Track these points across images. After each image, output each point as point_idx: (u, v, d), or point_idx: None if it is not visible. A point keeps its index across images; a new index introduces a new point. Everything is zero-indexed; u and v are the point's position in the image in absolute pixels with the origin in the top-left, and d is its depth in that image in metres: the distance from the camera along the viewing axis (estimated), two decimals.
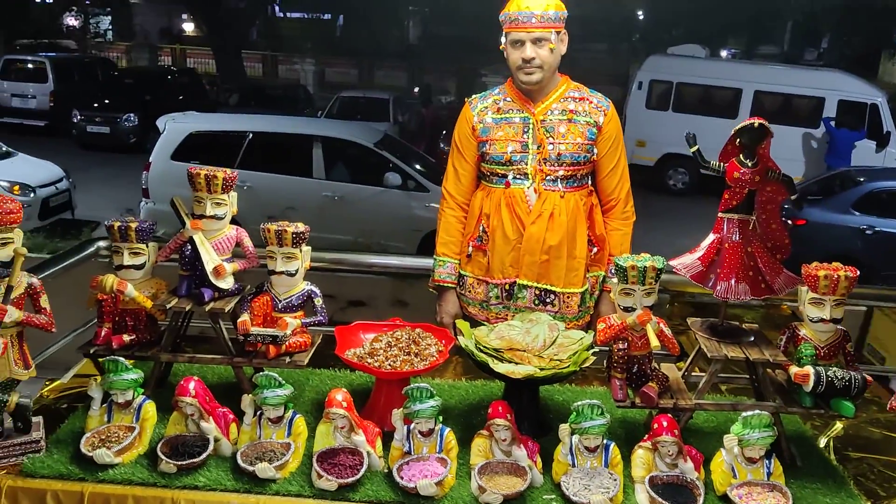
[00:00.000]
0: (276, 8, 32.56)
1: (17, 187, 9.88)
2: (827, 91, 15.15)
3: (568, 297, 2.80)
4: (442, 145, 13.80)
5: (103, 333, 2.35)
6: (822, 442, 2.41)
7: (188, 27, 32.46)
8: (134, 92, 17.02)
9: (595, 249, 2.84)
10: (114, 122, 16.00)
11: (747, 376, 2.40)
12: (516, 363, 2.25)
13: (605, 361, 2.34)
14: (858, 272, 2.12)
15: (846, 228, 10.13)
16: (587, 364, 2.24)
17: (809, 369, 2.09)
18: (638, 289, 2.17)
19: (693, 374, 2.38)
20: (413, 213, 9.14)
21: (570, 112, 2.77)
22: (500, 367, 2.19)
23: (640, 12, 31.92)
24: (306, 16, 33.21)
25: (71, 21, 28.29)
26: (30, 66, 18.25)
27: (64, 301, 2.49)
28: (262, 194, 9.12)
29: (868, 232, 10.19)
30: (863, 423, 2.48)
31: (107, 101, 16.42)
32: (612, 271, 2.82)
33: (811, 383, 2.08)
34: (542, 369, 2.21)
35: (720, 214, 2.24)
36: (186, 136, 9.32)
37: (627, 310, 2.20)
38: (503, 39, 2.76)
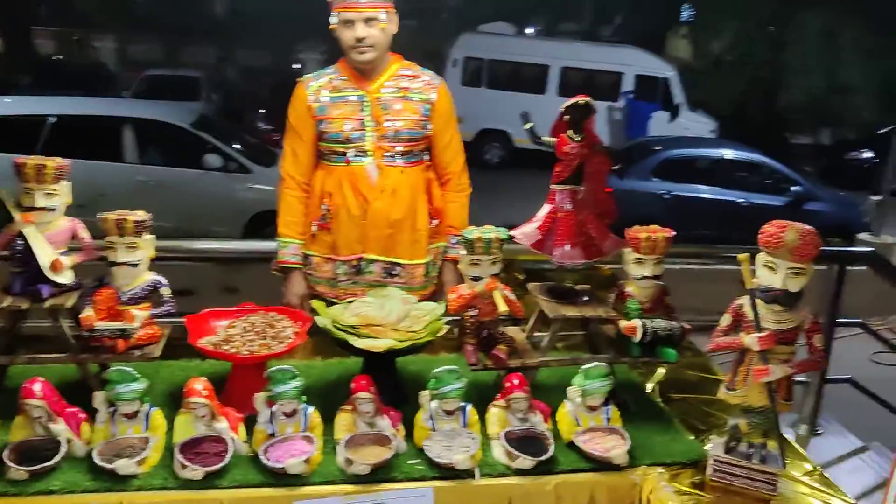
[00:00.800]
0: None
1: None
2: (625, 66, 16.30)
3: (413, 269, 2.91)
4: (259, 124, 13.51)
5: None
6: (649, 387, 2.67)
7: None
8: None
9: (435, 221, 2.96)
10: None
11: (582, 332, 2.61)
12: (375, 338, 2.32)
13: (454, 330, 2.46)
14: (675, 233, 2.36)
15: (647, 194, 11.02)
16: (441, 333, 2.35)
17: (637, 322, 2.32)
18: (484, 259, 2.31)
19: (534, 334, 2.56)
20: (236, 195, 8.92)
21: (404, 90, 2.86)
22: (360, 343, 2.26)
23: None
24: None
25: None
26: None
27: None
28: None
29: (666, 196, 11.15)
30: (681, 367, 2.77)
31: None
32: (454, 242, 2.95)
33: (639, 334, 2.31)
34: (400, 342, 2.30)
35: (553, 186, 2.42)
36: None
37: (476, 279, 2.33)
38: (333, 19, 2.79)
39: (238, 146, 9.39)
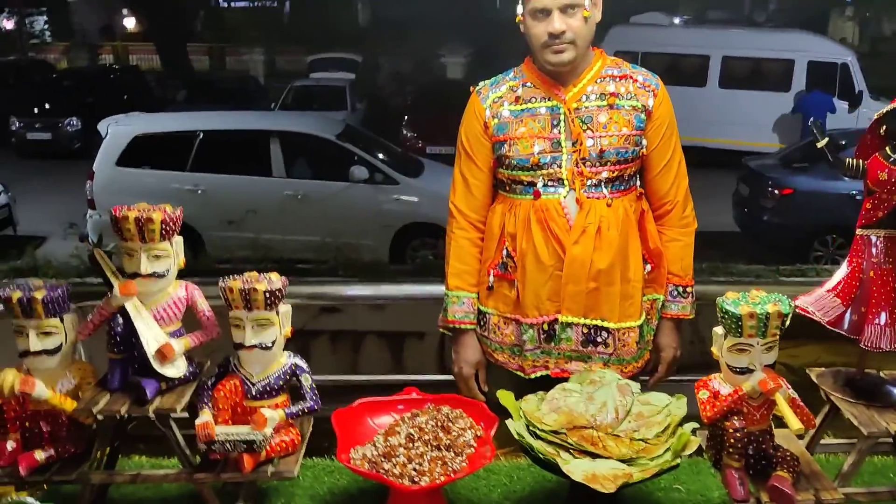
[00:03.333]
0: None
1: None
2: (796, 52, 14.80)
3: (624, 334, 2.18)
4: (405, 132, 13.19)
5: (9, 450, 1.67)
6: None
7: (129, 23, 31.16)
8: (75, 94, 16.11)
9: (649, 268, 2.22)
10: (55, 127, 15.10)
11: (889, 440, 1.80)
12: (591, 453, 1.62)
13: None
14: None
15: (835, 195, 9.70)
16: (688, 451, 1.62)
17: None
18: (757, 343, 1.56)
19: (819, 443, 1.78)
20: (382, 207, 8.55)
21: (611, 95, 2.14)
22: (575, 472, 1.56)
23: None
24: (251, 4, 32.21)
25: (4, 23, 26.93)
26: None
27: None
28: (218, 198, 8.43)
29: (858, 197, 9.77)
30: None
31: (46, 106, 15.53)
32: (675, 294, 2.22)
33: None
34: (629, 462, 1.59)
35: (859, 231, 1.64)
36: (132, 140, 8.60)
37: (741, 371, 1.58)
38: (520, 9, 2.11)
39: (383, 157, 9.03)
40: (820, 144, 1.64)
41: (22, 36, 26.85)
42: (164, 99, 17.24)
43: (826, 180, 9.87)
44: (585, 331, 2.15)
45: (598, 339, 2.16)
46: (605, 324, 2.15)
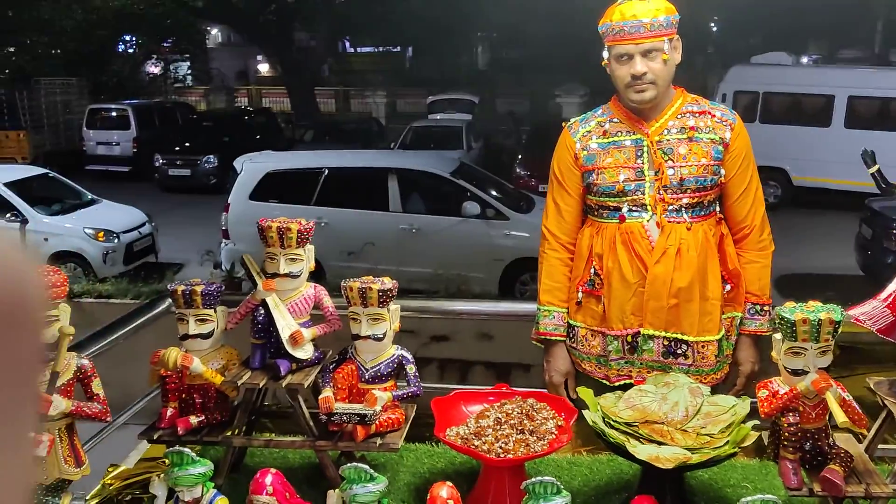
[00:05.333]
0: (347, 44, 33.01)
1: (101, 234, 9.99)
2: None
3: (703, 347, 2.36)
4: (518, 170, 13.47)
5: (168, 415, 2.04)
6: None
7: (263, 68, 33.16)
8: (212, 134, 17.29)
9: (729, 287, 2.40)
10: (194, 164, 16.24)
11: None
12: (658, 442, 1.83)
13: (762, 435, 1.90)
14: None
15: None
16: (747, 443, 1.80)
17: None
18: (810, 347, 1.73)
19: (878, 446, 1.91)
20: (493, 241, 8.80)
21: (691, 129, 2.35)
22: (641, 452, 1.77)
23: (712, 24, 30.97)
24: (376, 49, 33.54)
25: (151, 68, 29.23)
26: (113, 114, 18.78)
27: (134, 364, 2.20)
28: (339, 230, 8.94)
29: None
30: None
31: (187, 144, 16.71)
32: (753, 312, 2.38)
33: None
34: (692, 450, 1.79)
35: None
36: (264, 176, 9.24)
37: (796, 373, 1.76)
38: (605, 54, 2.37)
39: (495, 193, 9.31)
40: (871, 171, 1.81)
41: (167, 80, 29.04)
42: (293, 139, 18.23)
43: None
44: (666, 343, 2.35)
45: (678, 352, 2.35)
46: (685, 337, 2.34)
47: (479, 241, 8.82)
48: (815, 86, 14.95)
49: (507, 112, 20.31)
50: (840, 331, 1.74)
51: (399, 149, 15.41)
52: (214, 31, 34.35)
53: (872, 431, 1.90)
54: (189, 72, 30.91)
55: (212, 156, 16.22)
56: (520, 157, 13.79)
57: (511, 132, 17.89)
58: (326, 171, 9.29)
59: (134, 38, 26.25)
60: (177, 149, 16.57)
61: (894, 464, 1.77)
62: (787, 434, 1.75)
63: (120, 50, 26.44)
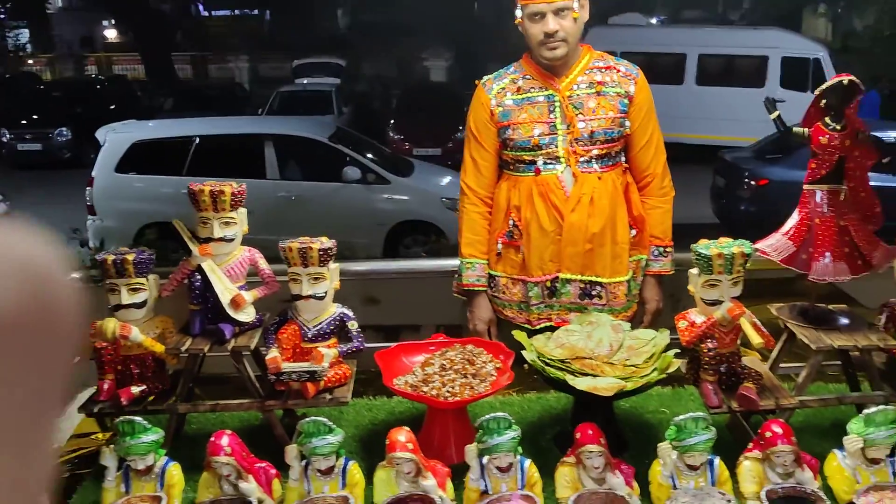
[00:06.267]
0: (200, 7, 31.58)
1: None
2: (770, 49, 15.22)
3: (615, 288, 2.54)
4: (392, 134, 13.47)
5: (107, 387, 2.00)
6: None
7: (111, 34, 31.23)
8: (63, 105, 16.23)
9: (634, 232, 2.59)
10: (45, 137, 15.22)
11: (834, 363, 2.17)
12: (592, 375, 1.98)
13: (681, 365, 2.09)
14: None
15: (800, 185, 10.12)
16: (671, 370, 1.98)
17: None
18: (725, 279, 1.92)
19: (779, 366, 2.14)
20: (375, 206, 8.79)
21: (598, 84, 2.50)
22: (581, 384, 1.91)
23: None
24: (232, 12, 32.31)
25: None
26: None
27: None
28: None
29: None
30: None
31: (35, 117, 15.62)
32: (657, 254, 2.58)
33: None
34: (624, 379, 1.94)
35: (806, 187, 2.01)
36: (129, 147, 8.79)
37: (712, 303, 1.94)
38: (518, 13, 2.46)
39: (375, 157, 9.29)
40: (772, 116, 2.01)
41: (6, 49, 26.89)
42: (152, 107, 17.40)
43: (800, 170, 10.28)
44: (582, 286, 2.51)
45: (593, 293, 2.52)
46: (599, 279, 2.51)
47: (360, 207, 8.78)
48: (668, 45, 15.74)
49: (375, 76, 20.19)
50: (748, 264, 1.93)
51: (267, 115, 15.03)
52: None
53: (775, 351, 2.13)
54: (29, 39, 28.74)
55: (64, 128, 15.25)
56: (392, 121, 13.77)
57: (381, 96, 17.81)
58: (197, 140, 8.95)
59: None
60: (24, 122, 15.45)
61: (797, 378, 2.00)
62: (706, 359, 1.94)
63: None
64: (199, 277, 2.03)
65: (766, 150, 11.09)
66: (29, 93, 17.90)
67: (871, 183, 2.00)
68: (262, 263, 2.14)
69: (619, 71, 2.52)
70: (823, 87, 1.92)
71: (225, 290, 2.02)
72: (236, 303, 2.01)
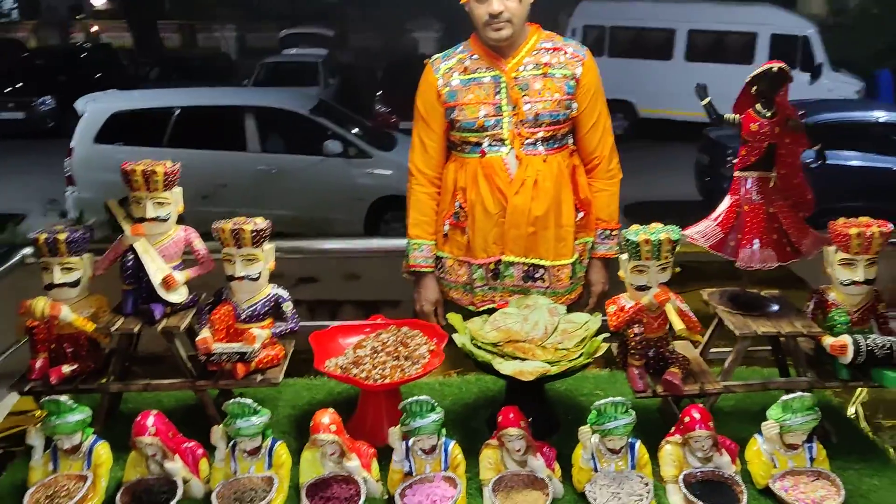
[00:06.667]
0: None
1: None
2: (759, 25, 15.14)
3: (558, 270, 2.55)
4: (378, 107, 13.39)
5: (38, 366, 2.00)
6: (851, 411, 2.22)
7: (98, 1, 30.82)
8: (47, 73, 16.08)
9: (581, 214, 2.59)
10: (28, 106, 15.10)
11: (768, 348, 2.19)
12: (521, 358, 1.99)
13: (612, 347, 2.11)
14: (893, 226, 1.91)
15: None
16: (599, 353, 2.00)
17: (846, 339, 1.89)
18: (652, 265, 1.93)
19: (710, 351, 2.17)
20: (356, 181, 8.76)
21: (545, 65, 2.48)
22: (506, 368, 1.93)
23: None
24: None
25: None
26: None
27: None
28: (193, 173, 8.53)
29: (812, 166, 10.20)
30: None
31: (18, 85, 15.50)
32: (603, 237, 2.58)
33: (849, 354, 1.88)
34: (551, 363, 1.96)
35: (736, 174, 2.01)
36: (109, 117, 8.73)
37: (641, 289, 1.96)
38: None
39: (357, 131, 9.25)
40: (703, 103, 2.00)
41: None
42: (137, 76, 17.25)
43: None
44: (525, 268, 2.52)
45: (536, 276, 2.53)
46: (542, 262, 2.52)
47: (341, 181, 8.76)
48: (658, 20, 15.63)
49: (363, 47, 20.02)
50: (678, 250, 1.94)
51: (253, 86, 14.92)
52: None
53: (706, 337, 2.15)
54: (15, 5, 28.30)
55: (48, 97, 15.15)
56: (379, 93, 13.69)
57: (368, 67, 17.67)
58: (178, 111, 8.89)
59: None
60: (7, 90, 15.32)
61: (724, 364, 2.02)
62: (633, 343, 1.96)
63: None
64: (131, 257, 2.03)
65: None
66: (12, 61, 17.68)
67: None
68: (198, 243, 2.14)
69: (566, 52, 2.51)
70: (753, 73, 1.92)
71: (157, 270, 2.02)
72: (168, 283, 2.02)
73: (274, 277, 2.14)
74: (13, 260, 2.91)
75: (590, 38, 15.69)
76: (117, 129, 8.71)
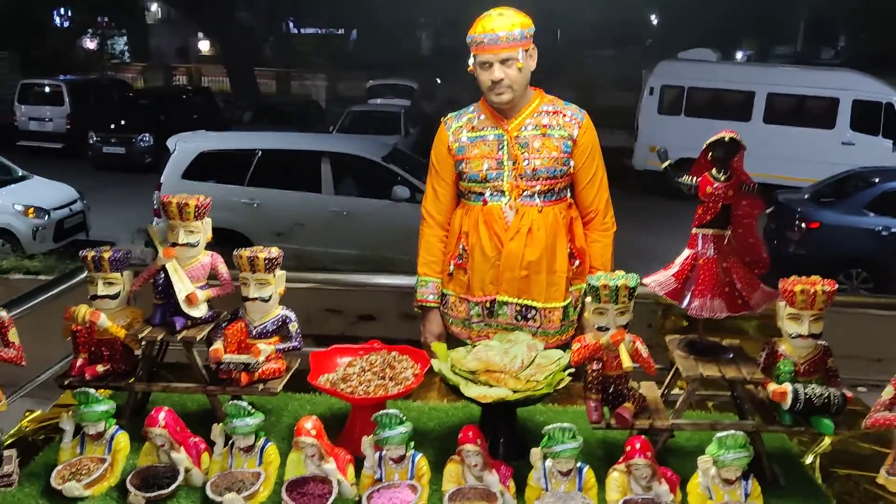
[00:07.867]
0: (291, 24, 32.79)
1: (31, 210, 10.03)
2: (841, 91, 14.95)
3: (549, 312, 2.78)
4: None
5: (78, 364, 2.35)
6: (809, 459, 2.34)
7: (203, 46, 32.77)
8: (149, 112, 17.25)
9: (577, 262, 2.81)
10: (129, 142, 16.22)
11: (730, 393, 2.34)
12: (490, 385, 2.22)
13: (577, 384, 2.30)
14: (837, 286, 2.06)
15: (860, 230, 9.99)
16: (562, 385, 2.20)
17: (787, 387, 2.04)
18: (611, 308, 2.13)
19: (674, 392, 2.34)
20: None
21: (544, 126, 2.75)
22: (470, 391, 2.16)
23: (652, 16, 31.78)
24: (319, 31, 33.41)
25: (88, 44, 28.64)
26: (46, 89, 18.55)
27: (54, 331, 2.49)
28: (270, 211, 9.18)
29: (883, 233, 10.03)
30: (852, 438, 2.41)
31: (122, 122, 16.66)
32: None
33: (789, 401, 2.03)
34: (515, 391, 2.18)
35: (694, 230, 2.20)
36: (197, 156, 9.40)
37: (601, 329, 2.16)
38: (471, 61, 2.74)
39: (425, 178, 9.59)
40: (663, 166, 2.21)
41: (103, 56, 28.48)
42: (232, 119, 18.26)
43: (852, 215, 10.18)
44: (518, 308, 2.76)
45: (528, 315, 2.76)
46: (534, 303, 2.75)
47: (406, 224, 9.07)
48: (737, 82, 15.63)
49: (446, 98, 20.61)
50: (636, 294, 2.14)
51: (338, 132, 15.61)
52: (154, 7, 33.80)
53: (668, 378, 2.32)
54: (126, 48, 30.34)
55: (147, 134, 16.21)
56: None
57: None
58: (260, 153, 9.49)
59: (69, 12, 25.71)
60: (112, 126, 16.51)
61: (676, 405, 2.19)
62: (590, 378, 2.15)
63: (56, 24, 25.87)
64: (162, 276, 2.37)
65: (821, 192, 10.97)
66: (119, 99, 19.01)
67: None
68: (222, 268, 2.46)
69: (565, 115, 2.76)
70: (709, 141, 2.12)
71: (183, 288, 2.35)
72: (190, 300, 2.34)
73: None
74: (78, 278, 3.31)
75: (668, 97, 15.83)
76: (204, 167, 9.34)
